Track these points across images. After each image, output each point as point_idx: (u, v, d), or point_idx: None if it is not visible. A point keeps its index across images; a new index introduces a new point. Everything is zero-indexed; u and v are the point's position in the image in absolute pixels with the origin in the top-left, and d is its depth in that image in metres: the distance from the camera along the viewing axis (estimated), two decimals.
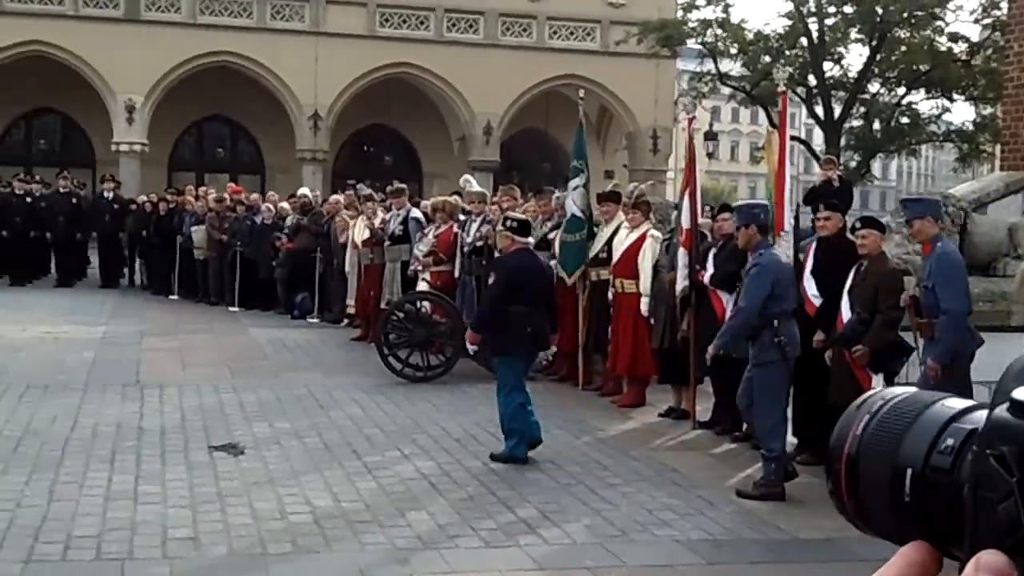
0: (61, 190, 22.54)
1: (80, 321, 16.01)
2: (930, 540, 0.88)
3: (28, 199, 22.28)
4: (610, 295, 11.37)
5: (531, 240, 9.38)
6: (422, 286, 13.60)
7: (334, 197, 18.84)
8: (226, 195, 20.15)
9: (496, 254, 10.73)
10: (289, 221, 18.23)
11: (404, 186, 15.91)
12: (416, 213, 15.20)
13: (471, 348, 9.15)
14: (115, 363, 12.33)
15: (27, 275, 21.87)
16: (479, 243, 13.42)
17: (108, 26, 32.35)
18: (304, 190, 20.60)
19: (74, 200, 22.50)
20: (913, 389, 0.93)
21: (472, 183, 15.48)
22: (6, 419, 9.35)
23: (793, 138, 9.97)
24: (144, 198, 22.69)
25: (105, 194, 22.67)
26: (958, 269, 7.84)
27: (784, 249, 8.91)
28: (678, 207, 11.03)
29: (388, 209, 15.40)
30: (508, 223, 9.17)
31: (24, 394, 10.51)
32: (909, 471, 0.87)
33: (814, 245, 9.04)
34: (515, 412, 8.55)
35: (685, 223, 10.30)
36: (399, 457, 8.62)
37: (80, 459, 8.12)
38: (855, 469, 0.91)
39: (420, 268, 13.87)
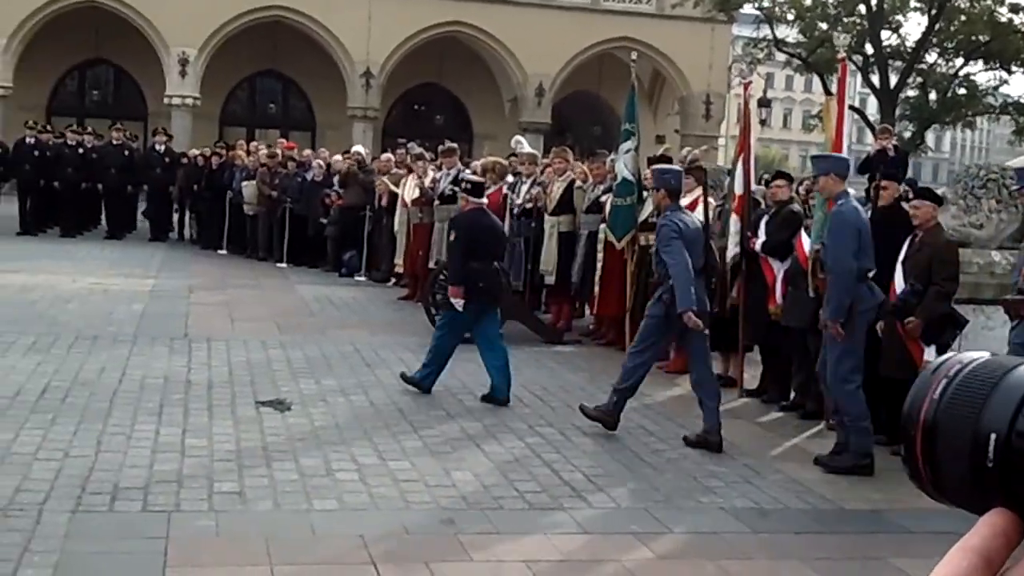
0: (114, 142, 22.66)
1: (129, 274, 16.13)
2: (1014, 508, 0.83)
3: (80, 150, 22.43)
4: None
5: (484, 200, 9.88)
6: None
7: (385, 155, 18.80)
8: (278, 150, 20.16)
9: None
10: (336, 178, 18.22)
11: (455, 146, 15.86)
12: (467, 173, 15.12)
13: (457, 304, 9.24)
14: (163, 316, 12.40)
15: (78, 226, 22.06)
16: (528, 205, 13.35)
17: None
18: (358, 147, 20.61)
19: (126, 152, 22.62)
20: (987, 354, 0.88)
21: (523, 144, 15.41)
22: (55, 369, 9.42)
23: (848, 107, 9.79)
24: (196, 152, 22.76)
25: (157, 147, 22.77)
26: (849, 228, 7.81)
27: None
28: (731, 173, 10.90)
29: (439, 168, 15.36)
30: (463, 184, 9.84)
31: (73, 345, 10.59)
32: (993, 436, 0.82)
33: (868, 215, 8.91)
34: (440, 347, 9.30)
35: (738, 189, 10.19)
36: (444, 417, 8.61)
37: (128, 411, 8.17)
38: (932, 435, 0.86)
39: None
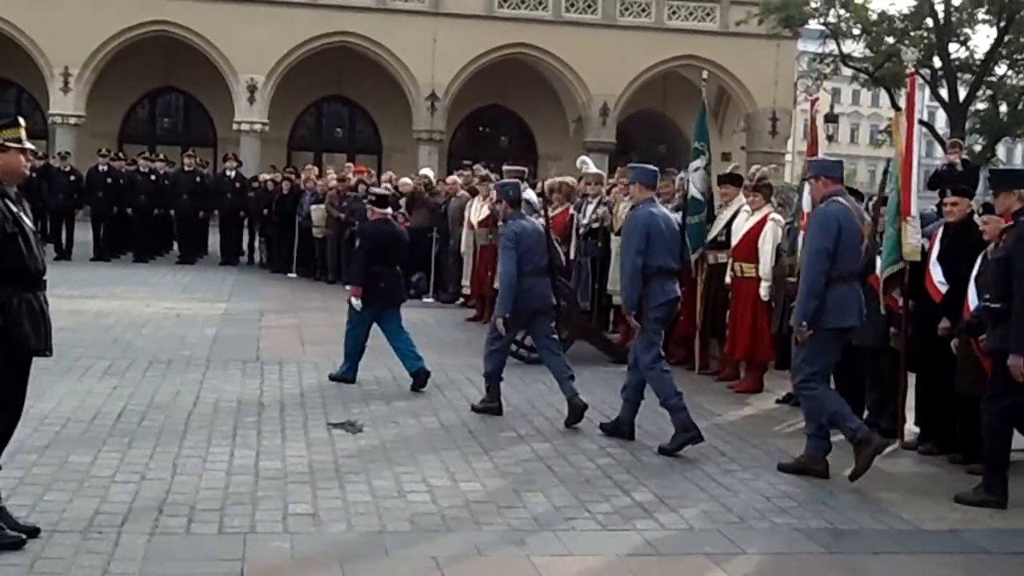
0: (186, 168, 23.00)
1: (202, 298, 16.34)
2: None
3: (152, 177, 22.80)
4: (728, 279, 11.22)
5: (389, 210, 11.08)
6: None
7: (451, 177, 18.90)
8: (350, 175, 20.33)
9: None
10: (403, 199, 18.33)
11: (524, 169, 15.90)
12: (530, 195, 15.16)
13: (356, 304, 10.38)
14: (235, 339, 12.54)
15: (151, 252, 22.41)
16: (595, 225, 13.35)
17: (231, 6, 32.95)
18: (425, 170, 20.75)
19: (197, 178, 22.96)
20: None
21: (588, 164, 15.39)
22: (131, 393, 9.57)
23: (917, 121, 9.68)
24: (266, 176, 23.04)
25: (227, 172, 23.07)
26: (635, 231, 8.58)
27: (912, 235, 8.71)
28: (800, 190, 10.82)
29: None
30: (369, 197, 11.38)
31: (148, 369, 10.76)
32: None
33: (940, 231, 8.81)
34: (352, 342, 10.51)
35: (807, 207, 10.09)
36: (515, 438, 8.62)
37: (202, 434, 8.27)
38: None
39: None
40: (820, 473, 7.84)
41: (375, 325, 10.55)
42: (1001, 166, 51.85)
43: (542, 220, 9.99)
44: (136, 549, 5.75)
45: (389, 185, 19.40)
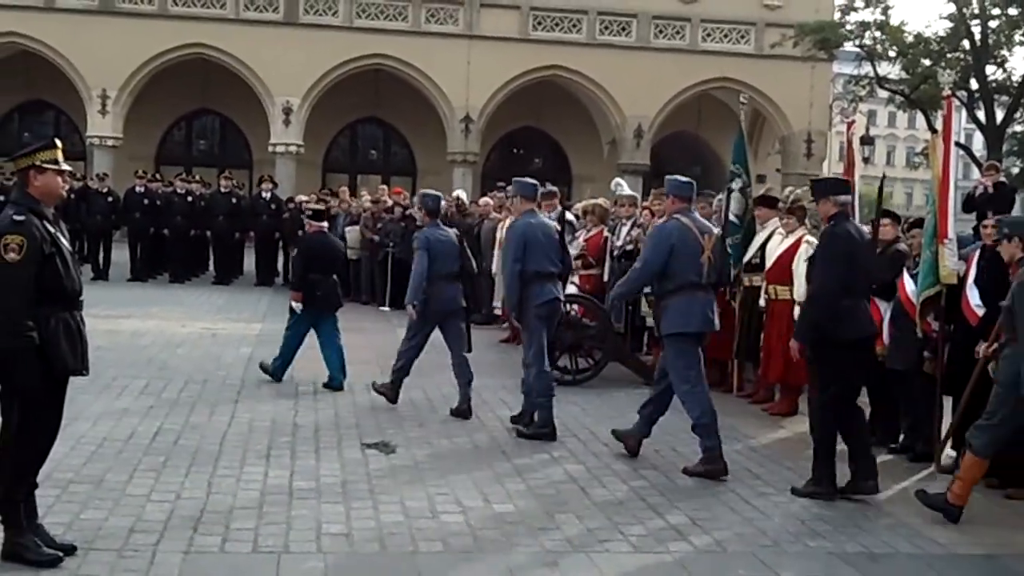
0: (222, 190, 23.17)
1: (237, 318, 16.43)
2: None
3: (189, 198, 22.98)
4: (762, 302, 11.18)
5: (325, 224, 12.10)
6: (571, 289, 13.55)
7: (484, 199, 18.94)
8: (386, 197, 20.40)
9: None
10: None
11: (555, 189, 15.89)
12: (568, 216, 15.18)
13: (297, 307, 11.38)
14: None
15: (187, 272, 22.57)
16: (629, 247, 13.33)
17: (267, 29, 33.24)
18: (459, 191, 20.80)
19: (234, 200, 23.11)
20: None
21: (623, 186, 15.39)
22: (166, 412, 9.64)
23: (954, 143, 9.64)
24: (302, 198, 23.17)
25: (263, 194, 23.20)
26: (513, 240, 9.56)
27: (950, 258, 8.66)
28: None
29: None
30: (307, 212, 12.34)
31: (183, 389, 10.83)
32: None
33: (977, 253, 8.75)
34: (288, 342, 11.46)
35: None
36: (548, 460, 8.61)
37: (237, 453, 8.31)
38: None
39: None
40: (718, 472, 8.24)
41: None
42: None
43: (455, 231, 10.91)
44: (171, 567, 5.79)
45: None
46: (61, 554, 5.77)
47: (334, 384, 11.15)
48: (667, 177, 9.28)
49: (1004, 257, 7.89)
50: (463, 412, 10.10)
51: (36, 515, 5.90)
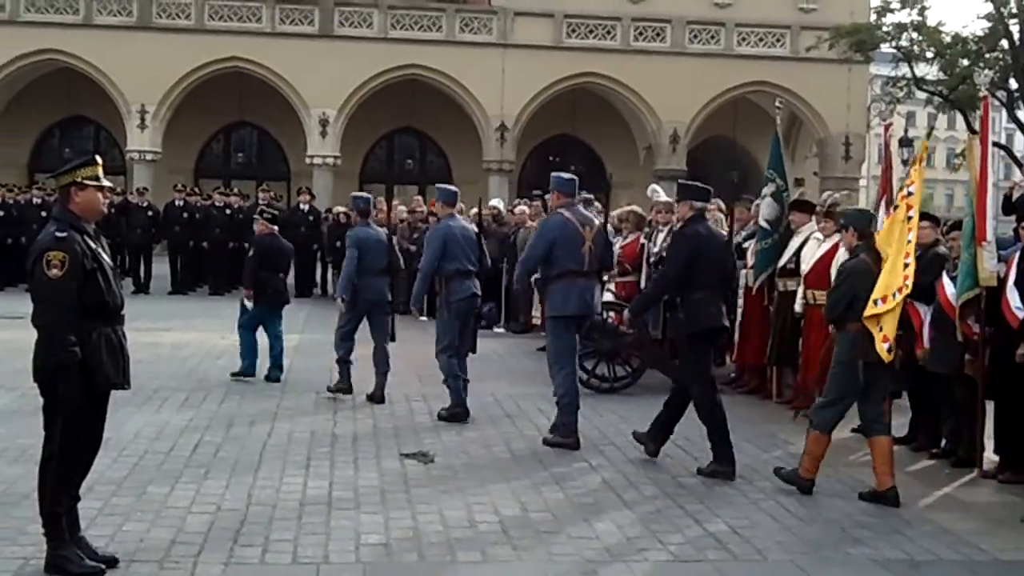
0: (260, 202, 23.30)
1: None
2: None
3: (227, 211, 23.15)
4: (799, 307, 11.11)
5: (276, 227, 12.82)
6: (607, 297, 13.54)
7: (520, 207, 18.96)
8: (423, 207, 20.46)
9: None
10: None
11: (591, 196, 15.89)
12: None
13: (248, 304, 12.25)
14: (309, 371, 12.65)
15: (226, 285, 22.70)
16: (665, 253, 13.28)
17: (303, 42, 33.45)
18: (495, 200, 20.82)
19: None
20: None
21: (659, 193, 15.35)
22: (207, 424, 9.71)
23: (993, 143, 9.58)
24: (339, 209, 23.27)
25: (301, 206, 23.33)
26: (433, 241, 10.55)
27: (989, 260, 8.59)
28: (874, 216, 10.70)
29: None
30: (264, 214, 12.98)
31: (224, 400, 10.91)
32: None
33: (1017, 255, 8.67)
34: (246, 342, 12.27)
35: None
36: (586, 468, 8.61)
37: (277, 464, 8.36)
38: None
39: (606, 278, 13.83)
40: (571, 445, 9.17)
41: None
42: None
43: (385, 231, 12.09)
44: None
45: (470, 214, 19.49)
46: (103, 566, 5.83)
47: (272, 376, 12.06)
48: (552, 174, 10.22)
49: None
50: (377, 398, 11.00)
51: (79, 527, 5.96)
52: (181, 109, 34.31)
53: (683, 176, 34.62)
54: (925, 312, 9.28)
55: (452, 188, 11.25)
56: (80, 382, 5.71)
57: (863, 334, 7.84)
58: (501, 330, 17.41)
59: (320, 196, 28.99)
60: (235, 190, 26.44)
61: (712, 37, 35.47)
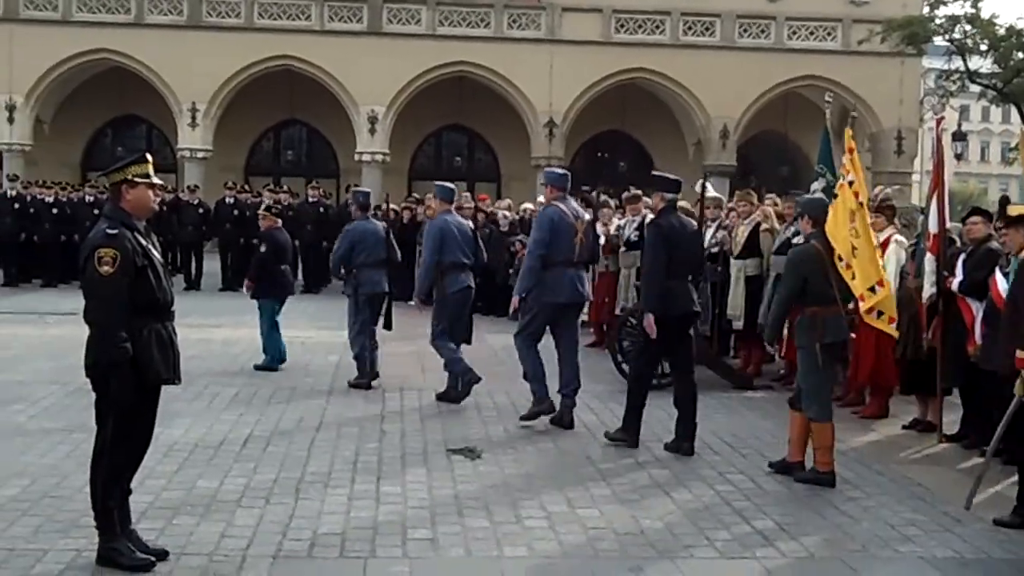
0: (309, 199, 23.47)
1: (325, 326, 16.60)
2: None
3: (278, 208, 23.24)
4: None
5: (280, 220, 13.40)
6: None
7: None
8: (469, 203, 20.47)
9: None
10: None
11: (640, 192, 15.86)
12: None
13: (247, 292, 12.90)
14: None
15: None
16: (714, 249, 13.24)
17: (351, 39, 33.56)
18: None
19: (321, 209, 23.38)
20: None
21: (708, 188, 15.29)
22: (257, 419, 9.80)
23: None
24: (387, 206, 23.34)
25: (350, 203, 23.39)
26: (431, 236, 11.14)
27: None
28: (925, 211, 10.61)
29: (623, 215, 15.38)
30: (270, 209, 13.74)
31: (273, 396, 11.00)
32: None
33: None
34: (269, 336, 12.77)
35: (933, 228, 9.90)
36: (633, 465, 8.60)
37: (325, 459, 8.42)
38: None
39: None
40: (548, 411, 9.88)
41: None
42: None
43: (383, 224, 12.62)
44: (260, 572, 5.90)
45: (507, 212, 19.54)
46: (154, 559, 5.90)
47: (273, 365, 12.55)
48: (545, 170, 10.92)
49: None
50: (358, 384, 11.59)
51: (130, 521, 6.04)
52: (231, 107, 34.56)
53: (732, 172, 34.53)
54: (977, 308, 9.17)
55: (449, 185, 11.82)
56: (131, 377, 5.78)
57: (820, 318, 8.13)
58: None
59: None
60: (285, 187, 26.61)
61: (762, 31, 35.22)
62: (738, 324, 12.98)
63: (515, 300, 10.09)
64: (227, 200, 23.28)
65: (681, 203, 14.85)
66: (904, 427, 10.27)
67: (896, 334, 8.53)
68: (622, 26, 34.79)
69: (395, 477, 7.96)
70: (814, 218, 8.50)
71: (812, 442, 8.20)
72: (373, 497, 7.42)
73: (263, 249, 13.05)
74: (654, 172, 10.43)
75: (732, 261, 13.03)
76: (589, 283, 10.63)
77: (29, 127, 33.73)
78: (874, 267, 8.65)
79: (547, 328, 10.15)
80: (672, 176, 9.72)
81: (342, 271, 12.27)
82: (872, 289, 8.55)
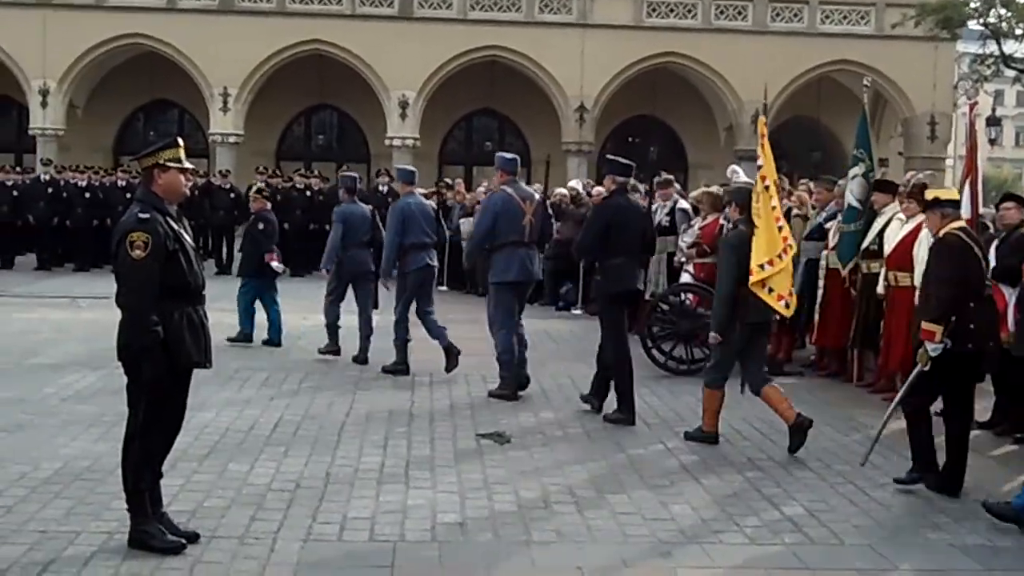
0: (256, 182, 23.43)
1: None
2: None
3: (308, 193, 23.36)
4: (881, 289, 10.97)
5: (269, 203, 14.24)
6: (685, 278, 13.49)
7: (597, 188, 18.88)
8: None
9: None
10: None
11: (671, 177, 15.82)
12: (683, 204, 15.11)
13: (281, 268, 13.72)
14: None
15: (306, 266, 22.90)
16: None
17: (382, 24, 33.53)
18: (574, 182, 20.79)
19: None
20: None
21: (739, 173, 15.21)
22: (287, 404, 9.85)
23: None
24: (420, 191, 23.32)
25: (380, 188, 23.47)
26: (393, 217, 11.77)
27: None
28: (959, 196, 10.51)
29: (654, 200, 15.33)
30: (261, 191, 14.33)
31: (303, 380, 11.05)
32: None
33: None
34: (268, 309, 13.41)
35: (965, 213, 9.82)
36: (662, 451, 8.59)
37: (355, 443, 8.46)
38: None
39: (684, 260, 13.77)
40: (509, 397, 10.29)
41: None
42: None
43: (369, 207, 13.24)
44: (290, 555, 5.93)
45: (560, 191, 19.59)
46: (184, 541, 5.95)
47: (274, 341, 13.15)
48: (496, 154, 11.36)
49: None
50: (361, 359, 12.23)
51: (161, 504, 6.08)
52: (263, 92, 34.62)
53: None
54: (1010, 295, 9.11)
55: (410, 168, 12.76)
56: (163, 361, 5.82)
57: (743, 298, 8.60)
58: (579, 311, 17.40)
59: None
60: (316, 172, 26.66)
61: (795, 15, 34.96)
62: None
63: (466, 264, 11.04)
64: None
65: (712, 189, 14.91)
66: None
67: (786, 312, 8.74)
68: (654, 10, 34.62)
69: (424, 462, 7.99)
70: (740, 205, 9.02)
71: (703, 403, 8.94)
72: (402, 481, 7.45)
73: (260, 227, 13.64)
74: (608, 156, 10.99)
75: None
76: (540, 262, 11.16)
77: (62, 112, 33.92)
78: (770, 245, 8.71)
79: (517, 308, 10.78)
80: (624, 160, 10.31)
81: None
82: (762, 266, 8.66)
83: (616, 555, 6.13)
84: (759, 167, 9.17)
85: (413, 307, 11.96)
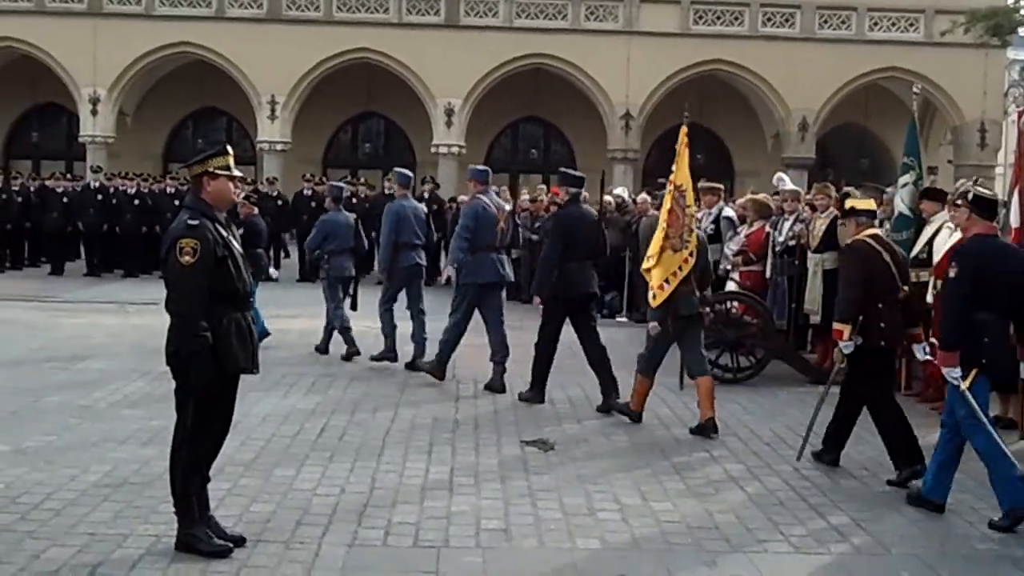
0: (386, 191, 23.59)
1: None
2: None
3: (354, 200, 23.46)
4: (930, 298, 10.87)
5: (256, 209, 14.55)
6: (731, 286, 13.44)
7: (642, 196, 18.88)
8: (543, 196, 20.51)
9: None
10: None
11: (715, 185, 15.77)
12: (728, 212, 15.05)
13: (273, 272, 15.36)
14: (431, 358, 12.79)
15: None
16: (791, 243, 13.12)
17: (429, 32, 33.69)
18: (619, 189, 20.76)
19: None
20: None
21: (786, 181, 15.15)
22: (333, 409, 9.91)
23: None
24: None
25: (424, 195, 23.57)
26: (388, 217, 12.52)
27: None
28: (1007, 205, 10.42)
29: (699, 208, 15.28)
30: (249, 198, 14.64)
31: (348, 386, 11.11)
32: None
33: None
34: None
35: (1014, 222, 9.74)
36: (707, 459, 8.56)
37: (399, 449, 8.49)
38: None
39: (730, 268, 13.72)
40: (438, 376, 11.39)
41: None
42: None
43: (353, 216, 13.93)
44: (335, 559, 5.96)
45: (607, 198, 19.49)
46: (231, 545, 6.00)
47: (265, 334, 13.24)
48: (470, 167, 12.31)
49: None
50: (322, 350, 13.16)
51: (208, 508, 6.14)
52: (310, 100, 34.87)
53: (811, 164, 34.17)
54: None
55: (407, 172, 13.47)
56: (211, 366, 5.87)
57: (675, 294, 9.40)
58: (623, 319, 17.37)
59: (445, 185, 29.26)
60: (362, 180, 26.82)
61: (843, 22, 34.76)
62: (815, 319, 12.83)
63: (451, 271, 11.55)
64: (305, 192, 23.54)
65: (759, 196, 14.85)
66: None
67: (653, 303, 9.52)
68: (700, 17, 34.54)
69: (469, 468, 8.01)
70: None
71: (634, 388, 9.76)
72: (447, 487, 7.47)
73: (241, 232, 14.15)
74: (561, 169, 12.03)
75: (809, 255, 12.89)
76: (510, 266, 11.91)
77: (112, 120, 34.33)
78: (654, 243, 9.65)
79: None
80: (575, 172, 11.26)
81: (316, 254, 13.59)
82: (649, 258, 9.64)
83: (660, 564, 6.12)
84: (671, 171, 9.83)
85: (405, 304, 12.70)
